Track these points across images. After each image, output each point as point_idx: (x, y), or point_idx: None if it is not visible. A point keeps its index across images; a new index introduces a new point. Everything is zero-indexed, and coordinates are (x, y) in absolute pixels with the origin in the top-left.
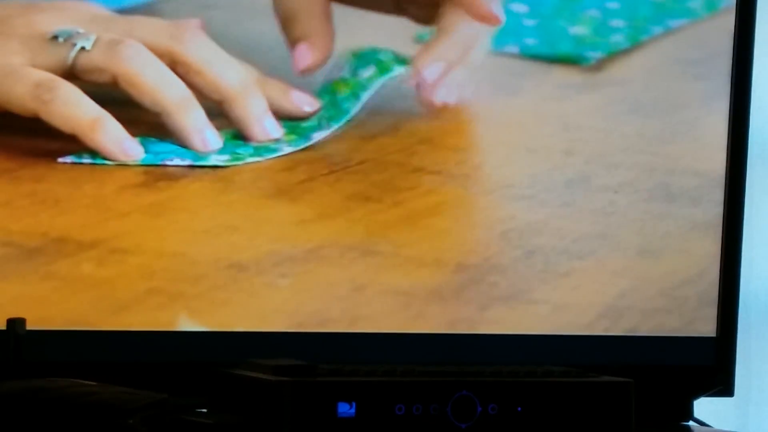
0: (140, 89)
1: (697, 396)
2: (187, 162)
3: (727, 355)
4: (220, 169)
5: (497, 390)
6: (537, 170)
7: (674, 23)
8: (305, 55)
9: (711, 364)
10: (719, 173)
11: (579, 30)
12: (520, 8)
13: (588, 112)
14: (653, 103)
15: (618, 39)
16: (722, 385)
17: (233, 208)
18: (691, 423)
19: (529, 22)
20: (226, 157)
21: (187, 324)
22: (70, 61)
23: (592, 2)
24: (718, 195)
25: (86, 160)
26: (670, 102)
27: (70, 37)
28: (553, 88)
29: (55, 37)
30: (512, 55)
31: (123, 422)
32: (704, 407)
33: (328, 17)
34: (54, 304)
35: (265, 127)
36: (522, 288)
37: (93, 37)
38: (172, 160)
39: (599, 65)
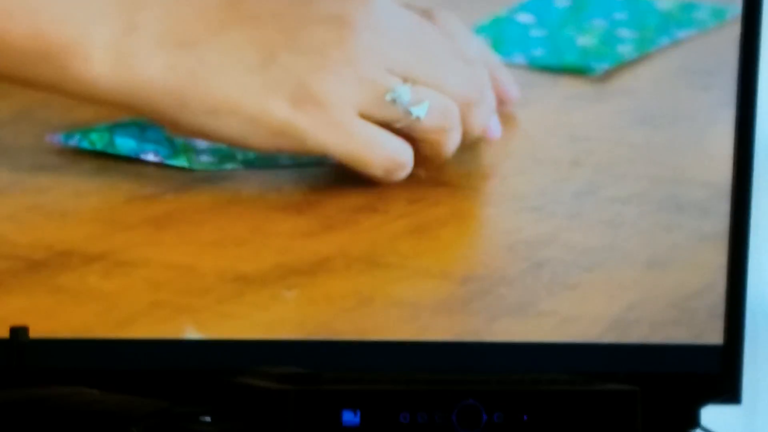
0: (438, 153)
1: (703, 404)
2: (159, 158)
3: (733, 362)
4: (226, 182)
5: (503, 398)
6: (544, 181)
7: (681, 34)
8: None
9: (718, 372)
10: (727, 184)
11: (586, 40)
12: (526, 19)
13: (595, 123)
14: (661, 113)
15: (625, 49)
16: (729, 392)
17: (240, 221)
18: (698, 431)
19: (536, 33)
20: (212, 159)
21: (192, 336)
22: (399, 125)
23: (600, 12)
24: (725, 206)
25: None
26: (677, 112)
27: (407, 104)
28: (560, 98)
29: (393, 100)
30: (519, 66)
31: (126, 430)
32: (711, 415)
33: None
34: (59, 317)
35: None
36: (530, 300)
37: (426, 106)
38: (146, 155)
39: (606, 76)
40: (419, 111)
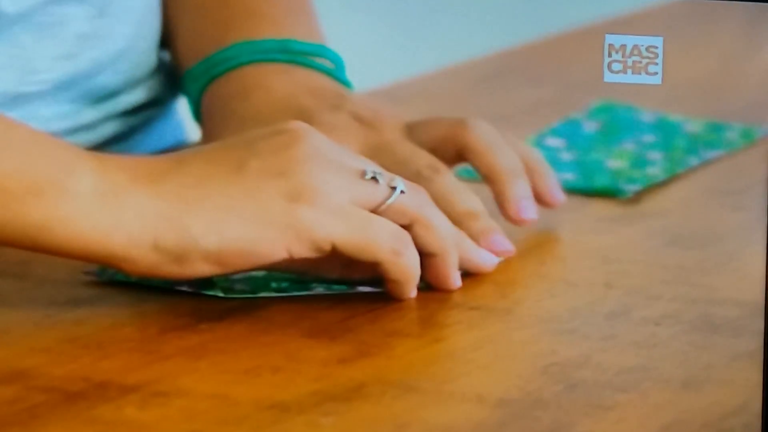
0: (433, 234)
1: None
2: (193, 288)
3: None
4: (260, 310)
5: None
6: (578, 303)
7: (711, 154)
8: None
9: None
10: (760, 302)
11: (616, 163)
12: (556, 143)
13: (627, 245)
14: (692, 234)
15: (655, 171)
16: None
17: (275, 348)
18: None
19: (566, 156)
20: (246, 287)
21: None
22: (387, 204)
23: (628, 136)
24: (759, 324)
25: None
26: (708, 233)
27: (389, 180)
28: (591, 221)
29: (374, 178)
30: None
31: None
32: None
33: None
34: None
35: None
36: (565, 422)
37: (401, 180)
38: (180, 285)
39: (637, 198)
40: (400, 185)
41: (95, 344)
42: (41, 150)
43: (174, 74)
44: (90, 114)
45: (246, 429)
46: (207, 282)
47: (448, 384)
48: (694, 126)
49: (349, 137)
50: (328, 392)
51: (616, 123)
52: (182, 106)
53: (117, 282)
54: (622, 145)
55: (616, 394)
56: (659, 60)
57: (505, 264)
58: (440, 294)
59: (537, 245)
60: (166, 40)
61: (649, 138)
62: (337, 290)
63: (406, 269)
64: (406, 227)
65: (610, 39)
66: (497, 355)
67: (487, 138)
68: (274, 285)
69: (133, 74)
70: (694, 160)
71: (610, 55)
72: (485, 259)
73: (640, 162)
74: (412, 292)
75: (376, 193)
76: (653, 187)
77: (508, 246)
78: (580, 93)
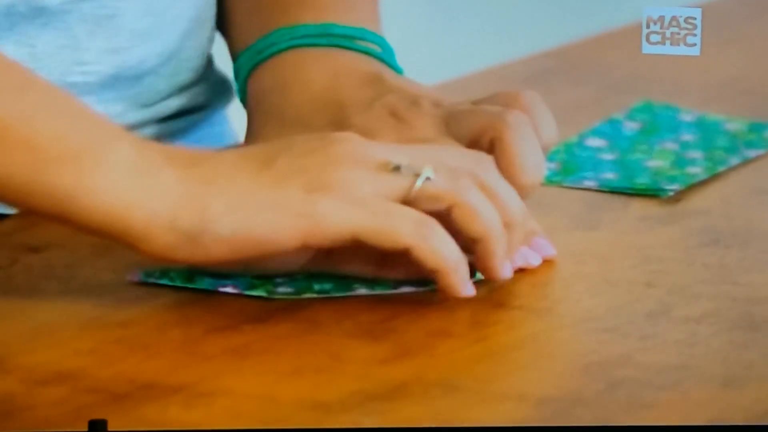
0: (474, 219)
1: None
2: (237, 290)
3: None
4: (303, 311)
5: None
6: (618, 303)
7: (751, 153)
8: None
9: None
10: None
11: (656, 163)
12: (597, 143)
13: (668, 244)
14: (732, 233)
15: (695, 170)
16: None
17: (317, 349)
18: None
19: (607, 156)
20: (290, 290)
21: None
22: (414, 191)
23: (669, 135)
24: None
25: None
26: (749, 231)
27: (412, 168)
28: (632, 220)
29: (397, 168)
30: (590, 190)
31: None
32: None
33: None
34: None
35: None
36: (606, 421)
37: (431, 169)
38: (225, 287)
39: (678, 197)
40: (427, 172)
41: (140, 345)
42: (85, 119)
43: (224, 82)
44: (134, 116)
45: (290, 429)
46: (251, 283)
47: (489, 383)
48: (734, 125)
49: (384, 138)
50: (371, 392)
51: (656, 123)
52: (233, 114)
53: (161, 285)
54: (662, 145)
55: (657, 392)
56: (698, 31)
57: (546, 264)
58: (481, 294)
59: (578, 245)
60: (225, 36)
61: (689, 137)
62: (379, 291)
63: (438, 253)
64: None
65: (648, 11)
66: (538, 355)
67: (517, 143)
68: (317, 286)
69: (178, 80)
70: (734, 159)
71: (648, 26)
72: (530, 258)
73: (680, 161)
74: (462, 286)
75: (400, 183)
76: (694, 186)
77: (549, 249)
78: (621, 93)
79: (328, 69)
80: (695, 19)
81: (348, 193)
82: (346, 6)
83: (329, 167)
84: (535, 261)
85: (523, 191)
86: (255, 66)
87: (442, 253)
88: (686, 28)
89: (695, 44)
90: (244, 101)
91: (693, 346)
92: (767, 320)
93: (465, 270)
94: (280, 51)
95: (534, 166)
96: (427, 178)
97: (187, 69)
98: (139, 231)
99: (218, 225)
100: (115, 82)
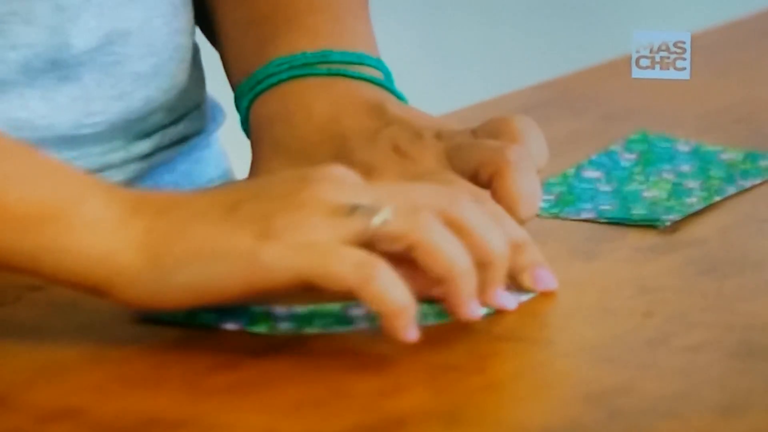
0: (435, 258)
1: None
2: (239, 326)
3: None
4: (304, 346)
5: None
6: (618, 332)
7: (747, 182)
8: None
9: None
10: None
11: (653, 193)
12: (594, 174)
13: (666, 273)
14: (730, 261)
15: (692, 200)
16: None
17: (318, 383)
18: None
19: (604, 187)
20: (291, 326)
21: None
22: (371, 232)
23: (666, 166)
24: None
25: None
26: (746, 260)
27: (369, 209)
28: (630, 250)
29: (354, 209)
30: (588, 221)
31: None
32: None
33: None
34: None
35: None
36: None
37: (390, 209)
38: (226, 323)
39: (675, 227)
40: (384, 213)
41: (143, 382)
42: (50, 177)
43: (215, 106)
44: (141, 146)
45: None
46: (252, 319)
47: (490, 415)
48: (729, 155)
49: (386, 173)
50: (372, 425)
51: (653, 154)
52: (224, 135)
53: (163, 321)
54: (659, 176)
55: (658, 420)
56: (687, 55)
57: (546, 294)
58: (480, 325)
59: (576, 275)
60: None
61: (686, 168)
62: (380, 324)
63: (380, 296)
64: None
65: (638, 35)
66: (539, 385)
67: (515, 178)
68: (318, 321)
69: (183, 109)
70: (730, 189)
71: (638, 51)
72: (502, 300)
73: (677, 192)
74: (404, 331)
75: (355, 225)
76: (691, 215)
77: (551, 281)
78: (617, 124)
79: (330, 99)
80: (684, 43)
81: (297, 238)
82: (341, 28)
83: (287, 213)
84: (510, 305)
85: (519, 224)
86: (256, 96)
87: (384, 296)
88: (675, 53)
89: (685, 68)
90: (247, 130)
91: (692, 375)
92: (765, 348)
93: (410, 314)
94: (280, 81)
95: (531, 201)
96: (385, 219)
97: (190, 98)
98: (104, 286)
99: (174, 276)
100: (121, 126)
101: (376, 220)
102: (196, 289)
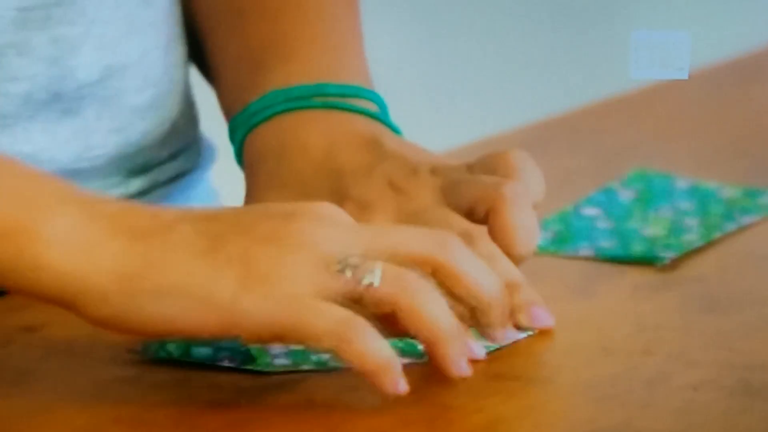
0: (418, 325)
1: None
2: (234, 363)
3: None
4: (301, 384)
5: None
6: (616, 371)
7: (746, 219)
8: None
9: None
10: None
11: (652, 231)
12: (592, 212)
13: (665, 311)
14: (729, 299)
15: (691, 237)
16: None
17: (316, 423)
18: None
19: (603, 225)
20: (287, 362)
21: None
22: (357, 294)
23: (665, 203)
24: None
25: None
26: (746, 298)
27: (356, 270)
28: (628, 288)
29: (343, 266)
30: (587, 258)
31: None
32: None
33: None
34: None
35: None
36: None
37: (379, 271)
38: (222, 361)
39: (673, 264)
40: (372, 277)
41: (139, 422)
42: (26, 187)
43: (209, 145)
44: (139, 182)
45: None
46: (248, 356)
47: None
48: (729, 192)
49: (381, 209)
50: None
51: (652, 191)
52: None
53: (160, 359)
54: (658, 213)
55: None
56: (686, 55)
57: (544, 333)
58: (479, 365)
59: (574, 313)
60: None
61: (685, 205)
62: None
63: (362, 356)
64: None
65: (636, 35)
66: (538, 424)
67: (512, 214)
68: (314, 357)
69: (178, 144)
70: (730, 226)
71: (636, 51)
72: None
73: (676, 229)
74: (394, 385)
75: (342, 284)
76: (689, 253)
77: (548, 319)
78: (616, 162)
79: (326, 133)
80: (683, 42)
81: (280, 289)
82: (336, 60)
83: (271, 258)
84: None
85: (516, 261)
86: (251, 129)
87: (366, 356)
88: (674, 52)
89: (684, 68)
90: (241, 163)
91: (692, 414)
92: (765, 386)
93: (395, 368)
94: (275, 114)
95: (528, 236)
96: (371, 284)
97: (182, 134)
98: (74, 304)
99: (146, 306)
100: (119, 160)
101: (365, 282)
102: (166, 321)
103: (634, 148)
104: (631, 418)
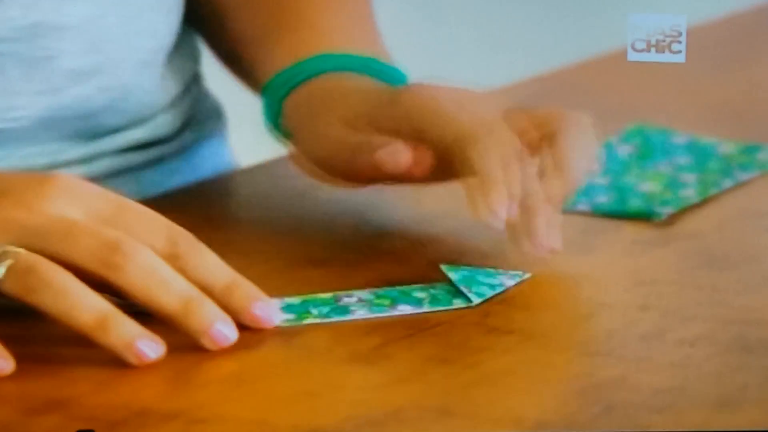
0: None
1: None
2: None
3: None
4: (297, 337)
5: None
6: (613, 326)
7: (744, 176)
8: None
9: None
10: None
11: (649, 186)
12: None
13: (662, 267)
14: (726, 255)
15: (688, 193)
16: None
17: (311, 375)
18: None
19: (600, 180)
20: (290, 316)
21: None
22: None
23: (662, 158)
24: None
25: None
26: (742, 254)
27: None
28: (626, 244)
29: None
30: (584, 214)
31: None
32: None
33: None
34: None
35: (213, 336)
36: None
37: (8, 263)
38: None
39: (671, 220)
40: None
41: (135, 373)
42: None
43: (216, 108)
44: (79, 151)
45: None
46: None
47: (485, 408)
48: (727, 148)
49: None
50: (366, 417)
51: (649, 146)
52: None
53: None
54: (655, 168)
55: (652, 415)
56: (682, 38)
57: (540, 287)
58: (475, 319)
59: (571, 268)
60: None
61: (682, 160)
62: (377, 313)
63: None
64: None
65: (633, 18)
66: (533, 379)
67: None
68: (314, 311)
69: (135, 114)
70: (727, 182)
71: (633, 34)
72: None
73: (674, 184)
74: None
75: None
76: (687, 209)
77: (273, 314)
78: (614, 117)
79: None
80: (680, 26)
81: None
82: (375, 40)
83: None
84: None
85: (568, 186)
86: (296, 85)
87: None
88: (671, 36)
89: (680, 51)
90: (276, 124)
91: (687, 369)
92: (761, 342)
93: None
94: (323, 71)
95: (586, 165)
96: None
97: (145, 102)
98: None
99: None
100: (50, 123)
101: None
102: None
103: (632, 104)
104: (627, 373)
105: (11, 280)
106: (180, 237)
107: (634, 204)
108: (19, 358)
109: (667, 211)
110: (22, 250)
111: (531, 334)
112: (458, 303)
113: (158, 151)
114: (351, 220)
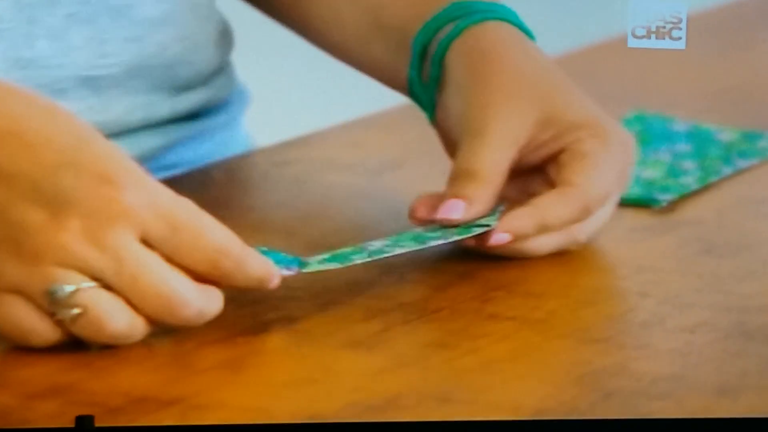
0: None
1: None
2: (294, 270)
3: None
4: (297, 323)
5: None
6: (612, 313)
7: (744, 163)
8: (457, 210)
9: None
10: None
11: (650, 173)
12: None
13: (661, 254)
14: (726, 243)
15: (688, 181)
16: None
17: (311, 361)
18: None
19: None
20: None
21: None
22: (57, 318)
23: (662, 145)
24: None
25: None
26: (742, 241)
27: (62, 303)
28: (625, 231)
29: (51, 293)
30: None
31: None
32: None
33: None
34: None
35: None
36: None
37: (75, 311)
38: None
39: (671, 207)
40: (68, 312)
41: (134, 359)
42: None
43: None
44: (164, 107)
45: None
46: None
47: (483, 395)
48: (727, 135)
49: None
50: (364, 404)
51: (649, 133)
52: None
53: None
54: (656, 155)
55: (652, 402)
56: (683, 25)
57: (540, 274)
58: (475, 305)
59: (571, 255)
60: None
61: (682, 147)
62: (408, 248)
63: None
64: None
65: (633, 4)
66: (532, 365)
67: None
68: (355, 257)
69: (205, 68)
70: (727, 169)
71: (633, 20)
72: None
73: (674, 171)
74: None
75: (45, 305)
76: (687, 196)
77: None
78: (613, 104)
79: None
80: (680, 12)
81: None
82: None
83: (12, 258)
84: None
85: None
86: (457, 34)
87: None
88: (671, 22)
89: (680, 38)
90: (420, 74)
91: (687, 356)
92: (760, 329)
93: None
94: (477, 21)
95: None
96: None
97: (208, 57)
98: None
99: None
100: (138, 72)
101: (65, 317)
102: None
103: (632, 90)
104: (627, 360)
105: (84, 322)
106: (223, 258)
107: (634, 191)
108: (19, 345)
109: (667, 198)
110: (93, 293)
111: (530, 320)
112: (477, 230)
113: (216, 122)
114: (351, 207)
